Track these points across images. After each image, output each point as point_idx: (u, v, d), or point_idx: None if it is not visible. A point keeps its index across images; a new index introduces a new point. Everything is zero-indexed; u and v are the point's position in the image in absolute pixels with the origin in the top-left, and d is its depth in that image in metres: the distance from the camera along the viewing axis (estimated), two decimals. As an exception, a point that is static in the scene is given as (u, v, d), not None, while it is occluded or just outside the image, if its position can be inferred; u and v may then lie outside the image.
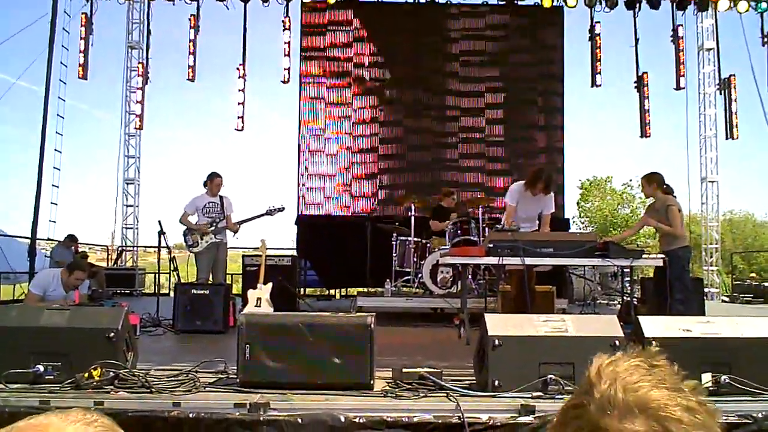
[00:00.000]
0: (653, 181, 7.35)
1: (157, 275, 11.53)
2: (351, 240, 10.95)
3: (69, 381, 3.60)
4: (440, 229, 9.41)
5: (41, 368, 3.67)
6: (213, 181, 8.66)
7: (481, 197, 11.39)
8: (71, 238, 12.17)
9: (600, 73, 13.67)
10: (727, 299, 14.62)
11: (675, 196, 7.48)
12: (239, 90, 13.70)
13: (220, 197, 8.66)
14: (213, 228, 8.47)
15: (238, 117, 13.70)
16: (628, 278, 7.68)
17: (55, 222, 13.84)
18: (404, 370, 3.84)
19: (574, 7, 13.03)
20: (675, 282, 7.05)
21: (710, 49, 15.08)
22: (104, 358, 3.66)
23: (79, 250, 12.41)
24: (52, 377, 3.67)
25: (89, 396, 3.44)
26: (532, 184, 6.96)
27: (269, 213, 8.67)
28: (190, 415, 3.26)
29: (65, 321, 3.91)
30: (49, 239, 13.31)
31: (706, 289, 13.19)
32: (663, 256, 7.05)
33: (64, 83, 13.89)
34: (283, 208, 8.73)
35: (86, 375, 3.57)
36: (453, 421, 3.25)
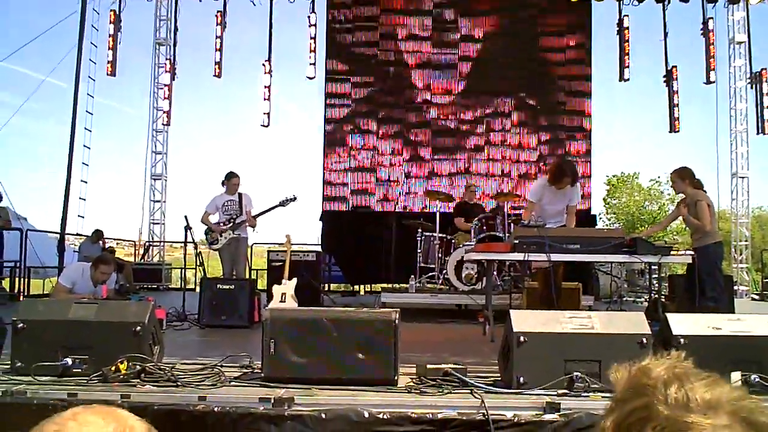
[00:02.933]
0: (685, 177, 7.23)
1: (183, 270, 11.65)
2: (375, 236, 10.96)
3: (96, 374, 3.63)
4: (465, 229, 9.37)
5: (69, 361, 3.72)
6: (230, 181, 8.83)
7: (506, 192, 11.32)
8: (98, 234, 12.34)
9: (628, 67, 13.52)
10: (757, 297, 14.36)
11: (705, 191, 7.35)
12: (265, 86, 13.76)
13: (239, 194, 8.83)
14: (231, 225, 8.63)
15: (264, 113, 13.77)
16: (656, 275, 7.58)
17: (83, 217, 14.05)
18: (429, 366, 3.83)
19: (602, 0, 12.88)
20: (706, 279, 6.94)
21: (741, 42, 14.80)
22: (131, 351, 3.70)
23: (106, 245, 12.58)
24: (79, 370, 3.72)
25: (116, 389, 3.48)
26: (558, 179, 6.87)
27: (282, 204, 8.78)
28: (216, 409, 3.28)
29: (93, 315, 3.95)
30: (78, 234, 13.50)
31: (735, 287, 12.97)
32: (692, 253, 6.94)
33: (93, 80, 14.09)
34: (295, 198, 8.82)
35: (113, 368, 3.60)
36: (477, 418, 3.22)
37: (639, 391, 0.93)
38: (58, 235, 11.08)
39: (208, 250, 9.32)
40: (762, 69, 13.65)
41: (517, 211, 10.28)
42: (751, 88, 14.00)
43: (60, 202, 10.52)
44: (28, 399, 3.32)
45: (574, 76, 13.17)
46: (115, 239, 15.56)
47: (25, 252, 11.15)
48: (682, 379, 0.91)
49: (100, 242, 12.42)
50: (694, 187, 7.24)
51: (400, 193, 12.90)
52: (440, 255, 9.27)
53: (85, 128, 13.94)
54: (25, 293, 11.00)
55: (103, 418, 0.97)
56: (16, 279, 11.04)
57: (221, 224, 8.69)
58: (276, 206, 8.80)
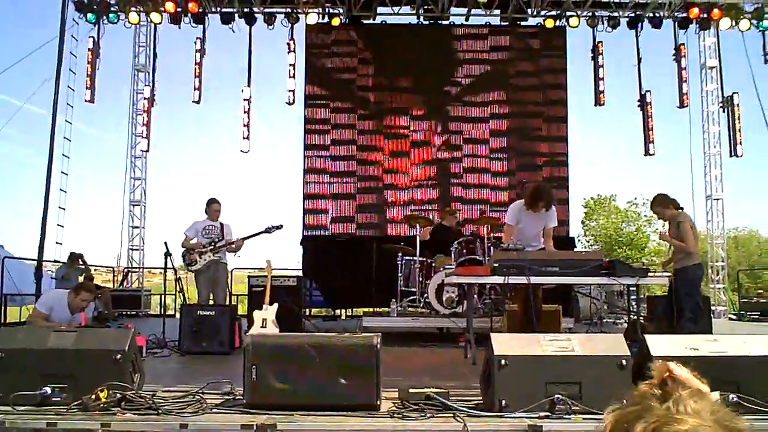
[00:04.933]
0: (664, 203, 7.35)
1: (163, 296, 11.55)
2: (356, 260, 10.95)
3: (76, 403, 3.60)
4: (423, 238, 9.40)
5: (48, 390, 3.68)
6: (210, 207, 8.82)
7: (486, 217, 11.40)
8: (73, 256, 12.28)
9: (603, 92, 13.71)
10: (734, 317, 14.53)
11: (682, 209, 7.45)
12: (244, 111, 13.78)
13: (221, 224, 8.79)
14: (212, 247, 8.55)
15: (244, 138, 13.76)
16: (635, 296, 7.66)
17: (61, 244, 13.88)
18: (411, 390, 3.84)
19: (577, 27, 13.13)
20: (685, 299, 7.02)
21: (713, 67, 15.12)
22: (111, 379, 3.67)
23: (85, 262, 12.47)
24: (59, 399, 3.68)
25: (96, 418, 3.45)
26: (533, 204, 6.95)
27: (267, 231, 8.72)
28: (197, 437, 3.26)
29: (72, 343, 3.92)
30: (55, 261, 13.34)
31: (713, 307, 13.11)
32: (668, 274, 7.03)
33: (71, 106, 14.01)
34: (281, 226, 8.78)
35: (93, 397, 3.57)
36: (460, 442, 3.24)
37: (636, 402, 1.08)
38: (35, 262, 10.95)
39: (187, 276, 9.24)
40: (733, 93, 13.94)
41: (498, 234, 10.36)
42: (723, 111, 14.26)
43: (37, 228, 10.42)
44: (7, 429, 3.29)
45: (551, 100, 13.36)
46: (93, 266, 15.39)
47: (2, 279, 11.00)
48: (672, 392, 1.07)
49: (80, 261, 12.32)
50: (677, 207, 7.35)
51: (380, 217, 12.92)
52: (421, 279, 9.29)
53: (63, 155, 13.86)
54: (2, 321, 10.82)
55: None
56: (-7, 307, 10.87)
57: (203, 246, 8.60)
58: (261, 232, 8.74)
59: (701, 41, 15.16)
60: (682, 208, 7.48)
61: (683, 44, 13.63)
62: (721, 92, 14.52)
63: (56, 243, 13.67)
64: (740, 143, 13.67)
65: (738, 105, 13.72)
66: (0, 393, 3.67)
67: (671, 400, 1.04)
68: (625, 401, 1.11)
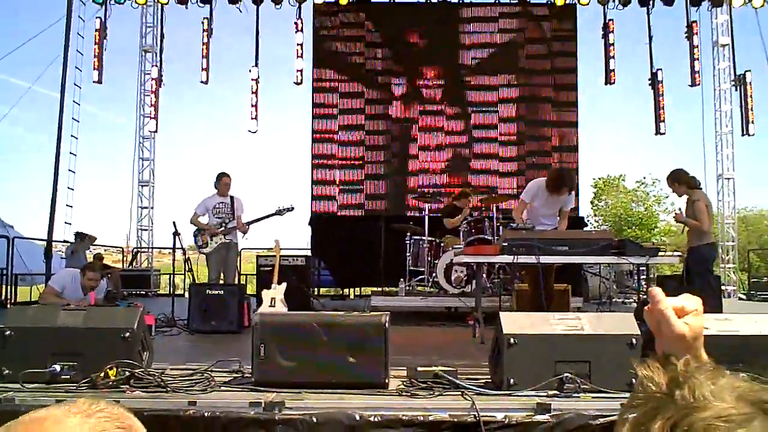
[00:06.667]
0: (677, 179, 7.28)
1: (172, 276, 11.61)
2: (365, 240, 10.94)
3: (85, 380, 3.62)
4: (453, 226, 9.38)
5: (58, 368, 3.70)
6: (221, 180, 8.71)
7: (495, 196, 11.36)
8: (79, 235, 12.39)
9: (614, 70, 13.58)
10: (744, 297, 14.48)
11: (700, 188, 7.36)
12: (252, 92, 13.73)
13: (231, 198, 8.70)
14: (223, 229, 8.51)
15: (252, 118, 13.73)
16: (645, 276, 7.62)
17: (70, 224, 13.98)
18: (419, 368, 3.83)
19: (587, 4, 12.93)
20: (696, 279, 6.99)
21: (725, 45, 14.94)
22: (120, 357, 3.68)
23: (87, 235, 12.58)
24: (68, 377, 3.69)
25: (105, 395, 3.45)
26: (556, 189, 6.85)
27: (278, 213, 8.69)
28: (206, 414, 3.26)
29: (81, 321, 3.93)
30: (65, 241, 13.42)
31: (723, 287, 13.06)
32: (680, 254, 6.99)
33: (79, 87, 14.01)
34: (293, 208, 8.75)
35: (102, 374, 3.58)
36: (468, 420, 3.23)
37: (648, 398, 0.98)
38: (45, 243, 11.00)
39: (196, 256, 9.25)
40: (746, 71, 13.77)
41: (507, 214, 10.33)
42: (736, 90, 14.10)
43: (47, 209, 10.46)
44: (16, 406, 3.30)
45: (560, 80, 13.22)
46: (103, 246, 15.48)
47: (12, 259, 11.07)
48: (686, 378, 0.95)
49: (86, 241, 12.42)
50: (691, 186, 7.27)
51: (388, 197, 12.89)
52: (430, 258, 9.28)
53: (72, 135, 13.90)
54: (12, 300, 10.91)
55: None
56: (3, 286, 10.95)
57: (213, 227, 8.58)
58: (272, 214, 8.71)
59: (713, 18, 14.97)
60: (699, 187, 7.38)
61: (695, 22, 13.44)
62: (733, 70, 14.35)
63: (65, 223, 13.77)
64: (752, 122, 13.53)
65: (750, 83, 13.56)
66: (10, 370, 3.69)
67: (686, 387, 0.94)
68: (633, 400, 1.01)
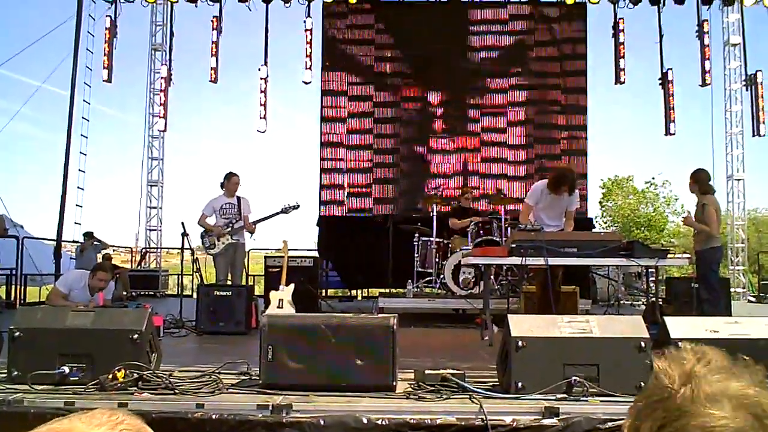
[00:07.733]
0: (695, 179, 7.27)
1: (180, 276, 11.64)
2: (372, 241, 10.93)
3: (94, 382, 3.63)
4: (459, 227, 9.36)
5: (66, 369, 3.71)
6: (230, 180, 8.68)
7: (503, 197, 11.33)
8: (88, 234, 12.46)
9: (624, 70, 13.49)
10: (753, 299, 14.38)
11: (713, 193, 7.34)
12: (261, 91, 13.72)
13: (238, 198, 8.68)
14: (229, 230, 8.51)
15: (261, 117, 13.72)
16: (653, 278, 7.59)
17: (80, 224, 13.98)
18: (427, 371, 3.82)
19: (598, 3, 12.85)
20: (703, 281, 6.97)
21: (736, 44, 14.82)
22: (128, 359, 3.69)
23: (99, 240, 12.65)
24: (77, 378, 3.71)
25: (113, 397, 3.47)
26: (556, 188, 6.87)
27: (284, 211, 8.66)
28: (214, 417, 3.27)
29: (90, 322, 3.94)
30: (74, 241, 13.47)
31: (732, 290, 12.98)
32: (688, 255, 6.96)
33: (89, 86, 14.01)
34: (298, 206, 8.72)
35: (110, 376, 3.59)
36: (476, 424, 3.22)
37: (657, 392, 0.97)
38: (54, 243, 11.06)
39: (205, 256, 9.26)
40: (757, 71, 13.66)
41: (515, 215, 10.29)
42: (746, 90, 13.99)
43: (56, 209, 10.51)
44: (25, 408, 3.31)
45: (570, 79, 13.16)
46: (111, 246, 15.53)
47: (22, 259, 11.12)
48: (693, 376, 0.94)
49: (93, 239, 12.49)
50: (704, 191, 7.24)
51: (396, 198, 12.87)
52: (437, 259, 9.26)
53: (82, 135, 13.93)
54: (22, 301, 10.95)
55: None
56: (13, 287, 10.98)
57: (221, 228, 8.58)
58: (278, 213, 8.69)
59: (725, 17, 14.87)
60: (712, 192, 7.36)
61: (706, 20, 13.35)
62: (744, 70, 14.23)
63: (75, 223, 13.79)
64: (763, 122, 13.42)
65: (762, 83, 13.45)
66: (19, 372, 3.71)
67: (691, 386, 0.92)
68: (644, 391, 1.01)
